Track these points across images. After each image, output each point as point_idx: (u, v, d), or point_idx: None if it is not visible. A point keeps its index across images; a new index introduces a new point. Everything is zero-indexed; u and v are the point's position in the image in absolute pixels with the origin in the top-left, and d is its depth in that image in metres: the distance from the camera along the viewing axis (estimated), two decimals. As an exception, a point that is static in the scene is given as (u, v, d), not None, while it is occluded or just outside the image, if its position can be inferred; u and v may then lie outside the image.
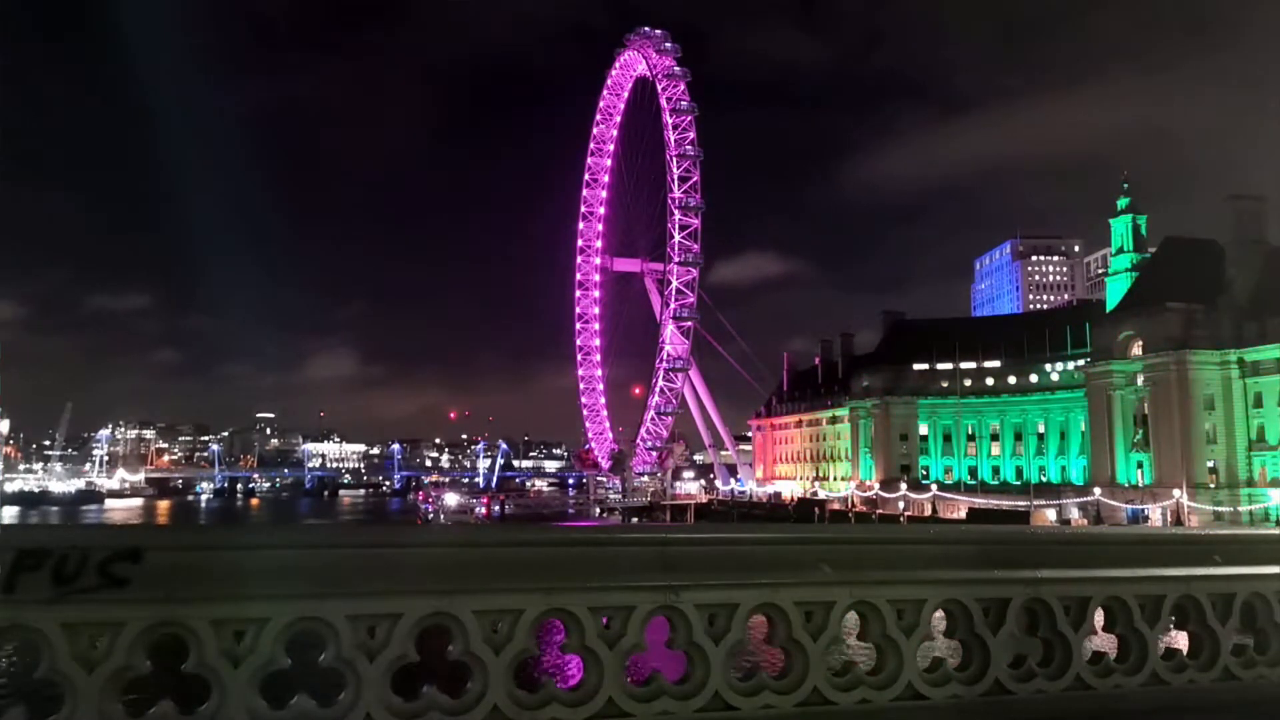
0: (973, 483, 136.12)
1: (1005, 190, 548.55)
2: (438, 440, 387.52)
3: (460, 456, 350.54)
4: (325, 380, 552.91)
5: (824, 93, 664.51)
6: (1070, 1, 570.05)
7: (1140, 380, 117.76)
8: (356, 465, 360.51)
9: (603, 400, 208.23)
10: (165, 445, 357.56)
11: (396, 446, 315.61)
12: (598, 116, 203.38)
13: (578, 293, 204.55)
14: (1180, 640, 7.04)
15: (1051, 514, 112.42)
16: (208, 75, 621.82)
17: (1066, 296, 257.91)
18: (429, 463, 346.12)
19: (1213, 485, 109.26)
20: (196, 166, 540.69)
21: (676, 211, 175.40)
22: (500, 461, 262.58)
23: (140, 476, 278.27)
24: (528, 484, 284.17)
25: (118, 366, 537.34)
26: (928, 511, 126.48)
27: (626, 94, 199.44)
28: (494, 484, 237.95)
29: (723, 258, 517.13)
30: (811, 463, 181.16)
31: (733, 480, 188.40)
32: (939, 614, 6.36)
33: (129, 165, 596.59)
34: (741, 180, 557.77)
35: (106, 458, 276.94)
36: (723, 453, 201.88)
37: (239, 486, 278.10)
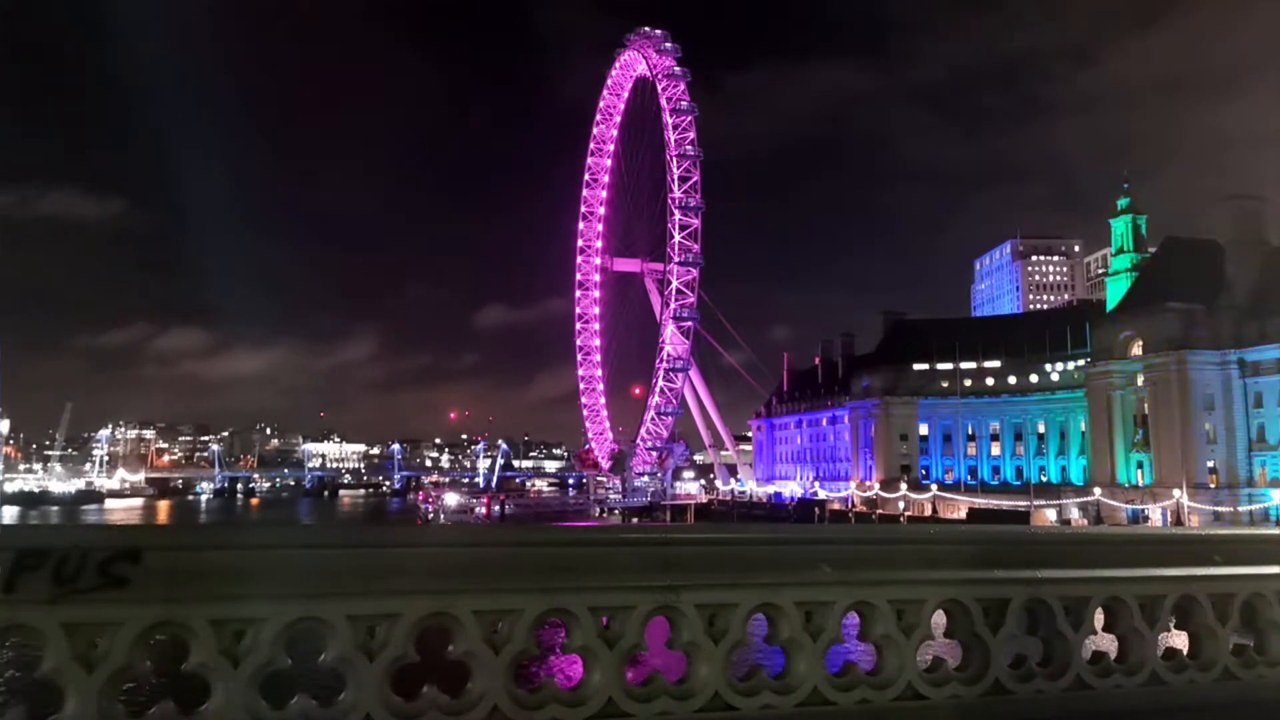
0: (973, 483, 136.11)
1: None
2: (438, 440, 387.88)
3: (460, 456, 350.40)
4: (326, 380, 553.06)
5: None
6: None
7: (1140, 380, 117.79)
8: (356, 465, 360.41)
9: (603, 400, 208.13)
10: (165, 445, 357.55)
11: (396, 446, 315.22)
12: (598, 116, 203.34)
13: (578, 293, 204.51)
14: (1180, 640, 7.04)
15: (1051, 514, 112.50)
16: (212, 69, 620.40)
17: (1066, 296, 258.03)
18: (429, 463, 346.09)
19: (1213, 485, 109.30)
20: (197, 167, 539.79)
21: (676, 211, 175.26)
22: (500, 461, 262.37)
23: (140, 477, 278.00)
24: (528, 484, 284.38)
25: (118, 366, 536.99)
26: (928, 511, 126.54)
27: (626, 94, 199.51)
28: (494, 484, 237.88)
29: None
30: (811, 463, 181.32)
31: (733, 480, 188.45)
32: (939, 614, 6.36)
33: (125, 163, 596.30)
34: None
35: (106, 458, 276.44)
36: (723, 453, 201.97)
37: (239, 487, 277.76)
